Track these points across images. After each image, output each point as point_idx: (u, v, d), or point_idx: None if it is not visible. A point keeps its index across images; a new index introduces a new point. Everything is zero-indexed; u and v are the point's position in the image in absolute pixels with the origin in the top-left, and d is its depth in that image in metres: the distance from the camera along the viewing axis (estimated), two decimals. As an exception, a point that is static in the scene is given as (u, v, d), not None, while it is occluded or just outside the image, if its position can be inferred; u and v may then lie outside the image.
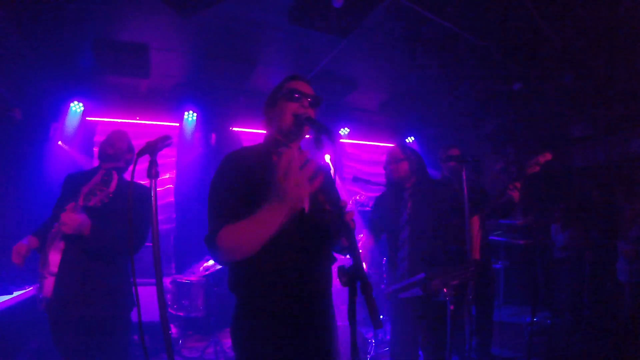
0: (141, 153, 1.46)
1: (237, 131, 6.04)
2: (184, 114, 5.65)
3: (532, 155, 3.22)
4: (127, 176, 2.62)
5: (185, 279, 4.65)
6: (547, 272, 5.51)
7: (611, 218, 5.23)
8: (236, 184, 1.52)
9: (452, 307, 2.09)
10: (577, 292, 5.03)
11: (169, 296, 4.56)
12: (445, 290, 2.02)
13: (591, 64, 4.66)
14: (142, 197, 2.07)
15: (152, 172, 1.40)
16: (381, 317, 2.26)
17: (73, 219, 2.04)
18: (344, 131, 6.73)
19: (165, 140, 1.51)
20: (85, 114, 5.18)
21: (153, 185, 1.38)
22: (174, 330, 4.63)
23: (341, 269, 1.18)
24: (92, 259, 2.19)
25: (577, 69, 4.80)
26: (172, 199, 5.64)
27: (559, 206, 5.49)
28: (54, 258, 2.15)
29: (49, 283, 2.13)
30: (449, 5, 3.48)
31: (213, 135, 5.95)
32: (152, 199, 1.36)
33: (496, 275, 5.96)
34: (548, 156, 3.21)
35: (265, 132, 1.79)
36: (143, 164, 1.43)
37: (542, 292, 5.48)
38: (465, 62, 4.51)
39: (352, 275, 1.15)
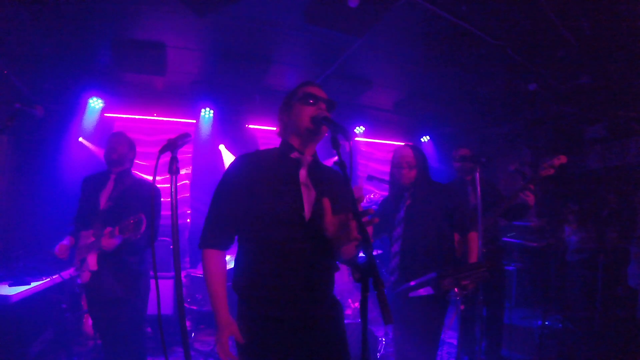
0: (163, 150, 1.53)
1: (253, 128, 6.12)
2: (200, 111, 5.73)
3: (547, 158, 3.20)
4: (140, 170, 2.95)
5: (199, 273, 4.73)
6: (560, 275, 5.45)
7: (625, 221, 5.17)
8: (243, 195, 1.61)
9: (462, 307, 2.10)
10: (590, 296, 4.97)
11: (183, 290, 4.63)
12: (456, 290, 2.04)
13: (607, 66, 4.59)
14: (153, 194, 2.24)
15: (173, 168, 1.47)
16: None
17: (112, 244, 2.55)
18: (359, 129, 6.75)
19: (184, 138, 1.58)
20: (103, 110, 5.29)
21: (174, 180, 1.44)
22: (187, 323, 4.71)
23: (354, 265, 1.21)
24: (121, 254, 2.70)
25: (593, 70, 4.73)
26: (187, 194, 5.74)
27: (573, 208, 5.43)
28: (92, 259, 2.68)
29: (87, 275, 2.70)
30: (465, 4, 3.46)
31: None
32: (172, 194, 1.41)
33: (508, 277, 5.91)
34: (563, 159, 3.19)
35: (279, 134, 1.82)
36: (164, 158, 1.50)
37: (555, 295, 5.42)
38: (481, 62, 4.47)
39: (364, 272, 1.17)
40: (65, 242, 2.86)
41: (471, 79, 5.01)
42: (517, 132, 6.69)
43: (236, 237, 1.72)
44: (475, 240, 2.72)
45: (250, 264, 1.63)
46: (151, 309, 2.95)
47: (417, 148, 2.80)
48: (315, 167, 1.73)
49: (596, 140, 6.17)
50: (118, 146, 2.87)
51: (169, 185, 1.47)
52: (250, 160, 1.68)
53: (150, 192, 2.71)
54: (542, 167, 3.20)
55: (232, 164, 1.69)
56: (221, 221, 1.64)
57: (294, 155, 1.68)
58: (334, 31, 3.63)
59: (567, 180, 6.17)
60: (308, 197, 1.61)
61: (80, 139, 5.24)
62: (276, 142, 1.83)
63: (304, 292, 1.59)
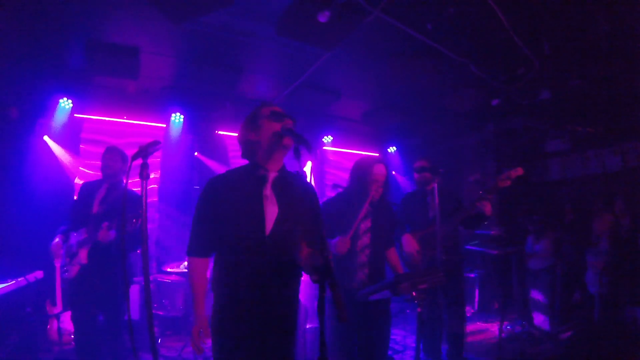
0: (135, 157, 1.62)
1: (223, 135, 6.14)
2: (170, 116, 5.72)
3: (504, 170, 3.39)
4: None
5: (166, 278, 4.70)
6: (521, 281, 5.70)
7: (582, 231, 5.46)
8: (216, 211, 1.79)
9: (419, 310, 2.22)
10: (550, 301, 5.21)
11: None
12: (414, 293, 2.15)
13: (567, 82, 4.89)
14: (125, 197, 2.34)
15: (144, 174, 1.55)
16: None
17: (108, 236, 2.87)
18: (327, 139, 6.85)
19: (155, 145, 1.66)
20: (73, 110, 5.20)
21: (144, 186, 1.51)
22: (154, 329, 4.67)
23: (312, 268, 1.31)
24: (111, 250, 2.99)
25: (553, 87, 5.03)
26: (155, 198, 5.68)
27: (533, 218, 5.69)
28: (83, 253, 2.99)
29: (76, 269, 3.01)
30: (430, 23, 3.64)
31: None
32: (143, 198, 1.48)
33: (471, 284, 6.14)
34: (520, 171, 3.36)
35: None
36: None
37: (516, 301, 5.66)
38: (446, 77, 4.68)
39: (322, 274, 1.27)
40: (59, 241, 3.12)
41: (437, 92, 5.23)
42: (481, 144, 6.96)
43: None
44: (395, 254, 2.99)
45: (221, 272, 1.82)
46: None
47: (387, 166, 2.92)
48: (282, 182, 1.85)
49: (557, 153, 6.52)
50: (111, 162, 3.21)
51: (139, 189, 1.58)
52: (218, 182, 1.85)
53: (136, 200, 3.04)
54: (500, 178, 3.37)
55: (204, 187, 1.87)
56: (200, 236, 1.85)
57: (260, 172, 1.82)
58: (304, 43, 3.75)
59: (528, 191, 6.48)
60: (270, 212, 1.76)
61: (45, 138, 5.13)
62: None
63: (264, 299, 1.75)
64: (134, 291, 4.49)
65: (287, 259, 1.78)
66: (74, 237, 3.08)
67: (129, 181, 1.61)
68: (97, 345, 3.06)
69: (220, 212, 1.77)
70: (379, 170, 2.78)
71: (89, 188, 3.26)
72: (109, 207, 3.07)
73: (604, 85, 4.89)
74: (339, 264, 2.70)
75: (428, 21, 3.61)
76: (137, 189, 3.21)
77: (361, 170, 2.82)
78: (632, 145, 5.54)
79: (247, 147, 1.88)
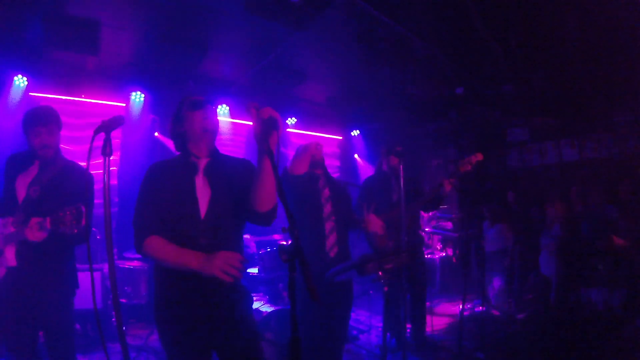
0: (97, 131, 1.52)
1: (185, 115, 5.90)
2: (130, 94, 5.49)
3: (466, 155, 3.52)
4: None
5: (127, 264, 4.56)
6: (480, 264, 5.96)
7: (529, 217, 5.79)
8: (157, 197, 1.80)
9: (385, 289, 2.28)
10: (507, 283, 5.50)
11: (110, 282, 4.45)
12: (380, 273, 2.20)
13: (529, 75, 5.08)
14: (87, 180, 2.05)
15: (107, 150, 1.47)
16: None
17: (39, 237, 2.10)
18: (291, 121, 6.83)
19: (119, 120, 1.58)
20: (28, 89, 4.88)
21: (107, 163, 1.43)
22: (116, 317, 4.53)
23: (281, 247, 1.31)
24: (48, 250, 2.25)
25: (516, 78, 5.21)
26: (115, 181, 5.44)
27: (489, 205, 5.96)
28: (10, 252, 2.23)
29: (2, 271, 2.24)
30: (401, 9, 3.67)
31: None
32: (105, 176, 1.40)
33: (432, 265, 6.35)
34: (480, 157, 3.52)
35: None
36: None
37: (475, 282, 5.92)
38: (413, 64, 4.75)
39: (291, 254, 1.28)
40: None
41: (402, 79, 5.30)
42: (444, 131, 7.15)
43: None
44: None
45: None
46: (77, 304, 2.55)
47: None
48: (214, 165, 1.92)
49: (517, 143, 6.80)
50: (45, 130, 2.33)
51: (99, 170, 1.44)
52: (156, 170, 1.89)
53: (84, 179, 2.29)
54: (461, 163, 3.52)
55: (146, 173, 1.90)
56: (147, 217, 1.80)
57: (191, 159, 1.90)
58: (272, 22, 3.70)
59: (488, 178, 6.74)
60: (202, 196, 1.82)
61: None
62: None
63: (205, 284, 1.73)
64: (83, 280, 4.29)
65: (226, 241, 1.81)
66: (1, 227, 2.26)
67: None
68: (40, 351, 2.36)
69: (158, 200, 1.80)
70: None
71: (16, 162, 2.39)
72: (42, 193, 2.27)
73: (565, 80, 5.12)
74: (310, 247, 2.72)
75: (398, 7, 3.62)
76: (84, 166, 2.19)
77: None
78: (588, 138, 5.88)
79: (178, 140, 1.96)
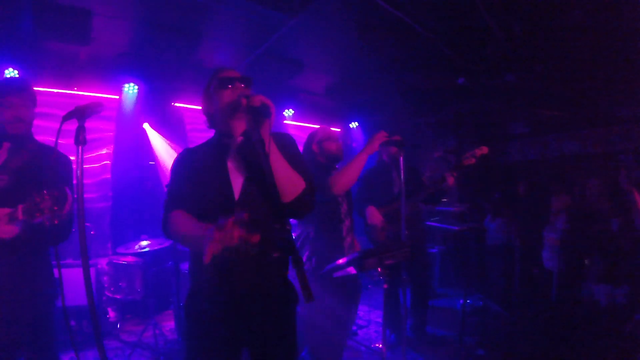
0: (68, 117, 1.38)
1: (179, 107, 5.74)
2: (123, 86, 5.36)
3: (470, 148, 3.42)
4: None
5: (122, 259, 4.47)
6: (481, 257, 5.88)
7: (536, 210, 5.69)
8: (188, 179, 1.73)
9: (385, 286, 2.19)
10: (508, 277, 5.42)
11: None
12: (379, 269, 2.11)
13: (533, 66, 4.96)
14: (63, 166, 1.92)
15: (80, 139, 1.33)
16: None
17: (9, 232, 1.80)
18: (289, 112, 6.69)
19: (96, 106, 1.43)
20: (18, 81, 4.76)
21: (80, 152, 1.30)
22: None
23: (274, 245, 1.21)
24: (25, 247, 1.95)
25: (519, 69, 5.09)
26: (109, 175, 5.28)
27: (490, 198, 5.86)
28: None
29: None
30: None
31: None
32: (79, 166, 1.28)
33: (432, 259, 6.28)
34: (484, 150, 3.43)
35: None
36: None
37: (476, 276, 5.85)
38: (414, 53, 4.63)
39: (284, 250, 1.18)
40: None
41: (402, 69, 5.18)
42: (444, 122, 7.04)
43: None
44: None
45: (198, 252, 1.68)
46: (71, 301, 2.43)
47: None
48: (248, 145, 1.76)
49: (519, 135, 6.69)
50: (19, 106, 2.00)
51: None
52: (188, 155, 1.83)
53: (62, 162, 2.06)
54: (465, 157, 3.41)
55: (178, 156, 1.84)
56: (176, 191, 1.76)
57: (223, 141, 1.79)
58: (268, 9, 3.57)
59: (489, 170, 6.64)
60: (236, 177, 1.70)
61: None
62: (201, 121, 1.93)
63: (245, 269, 1.58)
64: (81, 275, 4.22)
65: (263, 219, 1.61)
66: None
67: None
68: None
69: (190, 182, 1.72)
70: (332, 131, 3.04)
71: None
72: (13, 180, 1.95)
73: (568, 73, 5.00)
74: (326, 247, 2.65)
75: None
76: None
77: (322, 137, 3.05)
78: (591, 132, 5.77)
79: (209, 118, 1.87)
